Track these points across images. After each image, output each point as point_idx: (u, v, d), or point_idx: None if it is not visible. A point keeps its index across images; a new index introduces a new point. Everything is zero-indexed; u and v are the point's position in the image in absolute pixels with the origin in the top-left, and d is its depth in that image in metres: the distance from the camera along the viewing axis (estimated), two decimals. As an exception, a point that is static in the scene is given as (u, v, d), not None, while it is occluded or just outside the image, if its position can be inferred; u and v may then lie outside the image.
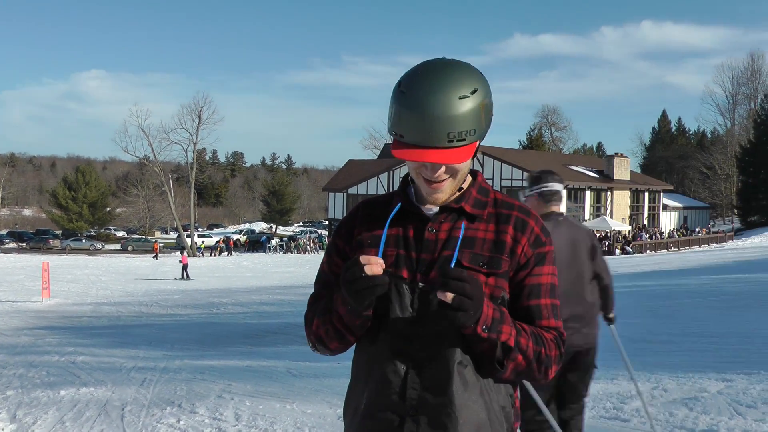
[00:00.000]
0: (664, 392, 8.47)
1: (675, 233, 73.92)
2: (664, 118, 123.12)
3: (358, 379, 2.36)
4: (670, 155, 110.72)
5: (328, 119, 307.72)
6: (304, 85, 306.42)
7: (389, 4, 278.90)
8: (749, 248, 53.38)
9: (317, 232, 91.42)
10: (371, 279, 2.10)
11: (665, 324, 16.30)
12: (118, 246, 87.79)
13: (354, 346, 2.41)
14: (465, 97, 2.11)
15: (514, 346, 2.17)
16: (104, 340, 17.59)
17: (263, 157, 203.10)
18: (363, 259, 2.12)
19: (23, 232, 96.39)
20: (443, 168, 2.21)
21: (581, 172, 70.88)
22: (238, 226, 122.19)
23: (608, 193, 70.80)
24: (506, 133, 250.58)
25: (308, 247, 77.76)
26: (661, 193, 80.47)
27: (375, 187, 72.20)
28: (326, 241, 77.09)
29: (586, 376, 5.49)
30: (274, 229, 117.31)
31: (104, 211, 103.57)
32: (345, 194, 75.45)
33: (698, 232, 74.74)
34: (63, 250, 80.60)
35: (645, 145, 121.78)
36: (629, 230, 67.27)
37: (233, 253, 75.97)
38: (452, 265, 2.20)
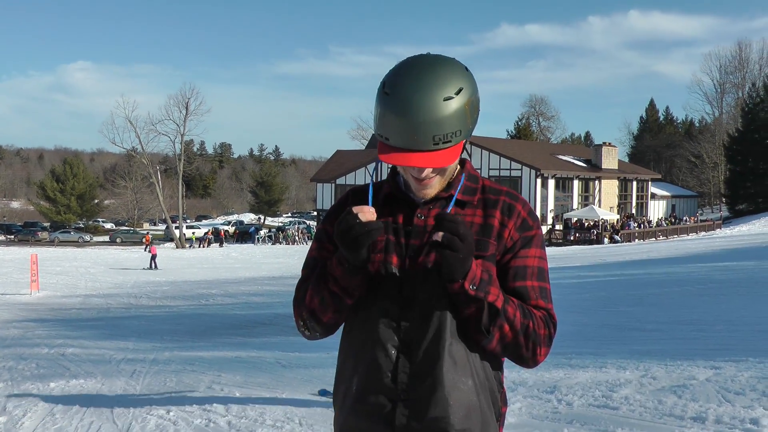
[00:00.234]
0: (652, 380, 8.50)
1: (663, 222, 74.07)
2: (651, 107, 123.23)
3: (347, 362, 2.36)
4: (658, 144, 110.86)
5: (315, 110, 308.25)
6: (291, 76, 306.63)
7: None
8: (737, 236, 53.56)
9: (306, 223, 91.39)
10: (366, 224, 2.13)
11: (653, 312, 16.37)
12: (106, 238, 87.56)
13: (342, 328, 2.41)
14: (450, 98, 2.09)
15: (501, 310, 2.17)
16: (93, 332, 17.55)
17: (251, 148, 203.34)
18: (356, 208, 2.15)
19: (11, 225, 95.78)
20: (430, 168, 2.21)
21: (569, 162, 70.94)
22: (226, 217, 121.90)
23: (596, 182, 70.89)
24: (494, 123, 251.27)
25: (297, 237, 77.73)
26: (649, 182, 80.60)
27: (363, 177, 72.06)
28: (314, 231, 76.86)
29: None
30: (262, 220, 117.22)
31: (92, 203, 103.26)
32: (333, 185, 75.29)
33: (686, 221, 74.91)
34: (51, 243, 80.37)
35: (633, 134, 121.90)
36: (617, 219, 67.36)
37: (224, 243, 75.83)
38: None
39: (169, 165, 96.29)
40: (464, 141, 2.19)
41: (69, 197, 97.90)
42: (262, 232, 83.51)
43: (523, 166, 63.30)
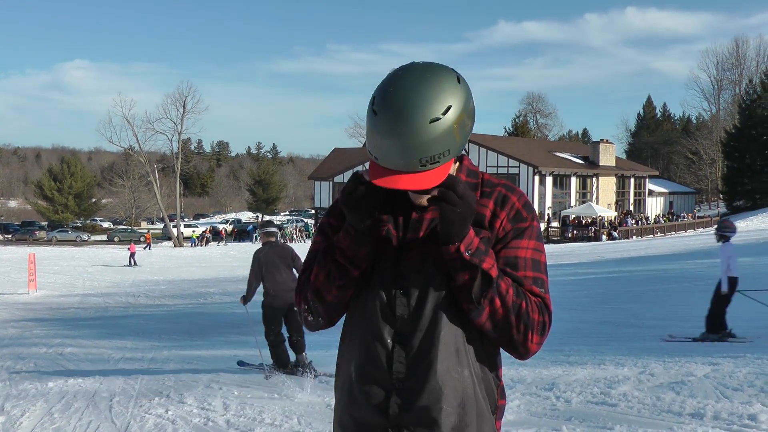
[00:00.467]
0: (651, 376, 8.52)
1: (661, 218, 74.19)
2: (649, 103, 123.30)
3: (345, 352, 2.39)
4: (656, 141, 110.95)
5: (313, 108, 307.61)
6: (288, 74, 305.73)
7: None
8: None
9: (303, 221, 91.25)
10: (370, 186, 2.16)
11: (651, 309, 16.40)
12: (104, 237, 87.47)
13: (342, 320, 2.43)
14: (437, 119, 2.06)
15: (495, 281, 2.16)
16: (92, 332, 17.55)
17: (248, 147, 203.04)
18: (360, 171, 2.20)
19: (9, 224, 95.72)
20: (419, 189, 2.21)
21: (567, 159, 70.96)
22: (224, 215, 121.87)
23: (594, 179, 70.93)
24: (491, 120, 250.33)
25: (295, 236, 77.64)
26: (647, 179, 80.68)
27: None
28: (312, 229, 76.98)
29: (297, 318, 10.19)
30: (260, 219, 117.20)
31: (90, 202, 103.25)
32: (331, 183, 75.28)
33: (684, 217, 75.02)
34: (49, 242, 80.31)
35: (630, 131, 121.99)
36: (615, 216, 67.47)
37: (223, 242, 75.80)
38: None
39: (167, 163, 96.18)
40: (453, 159, 2.17)
41: (66, 196, 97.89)
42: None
43: (521, 164, 63.33)
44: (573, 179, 68.81)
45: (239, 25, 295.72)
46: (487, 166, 63.01)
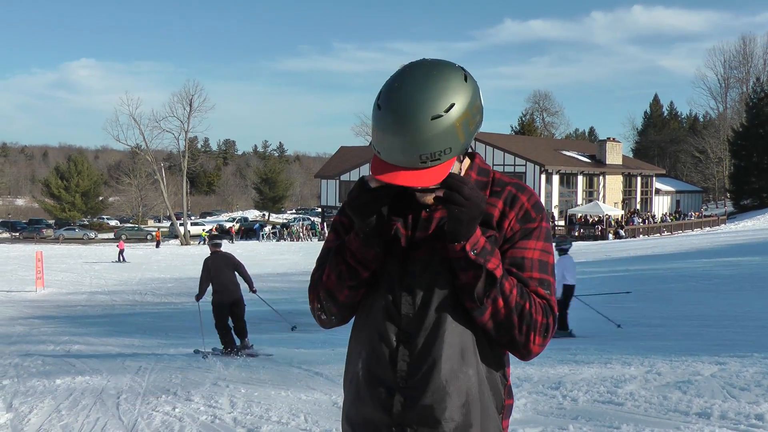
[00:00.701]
0: (657, 376, 8.51)
1: (667, 217, 74.00)
2: (656, 102, 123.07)
3: (353, 351, 2.40)
4: (662, 139, 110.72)
5: (319, 106, 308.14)
6: (294, 72, 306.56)
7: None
8: (741, 232, 53.52)
9: (310, 219, 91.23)
10: (375, 190, 2.19)
11: (658, 308, 16.38)
12: (111, 235, 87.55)
13: (353, 319, 2.45)
14: (438, 117, 2.06)
15: (498, 281, 2.16)
16: (99, 329, 17.59)
17: (255, 145, 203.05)
18: (366, 177, 2.22)
19: (16, 222, 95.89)
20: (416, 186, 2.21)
21: (573, 157, 70.86)
22: (230, 213, 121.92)
23: (600, 177, 70.84)
24: (498, 118, 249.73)
25: (301, 234, 77.65)
26: (654, 178, 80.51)
27: (367, 173, 71.97)
28: (319, 228, 76.94)
29: (240, 310, 13.50)
30: (266, 217, 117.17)
31: (97, 200, 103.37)
32: (337, 181, 75.29)
33: (691, 216, 74.86)
34: (56, 240, 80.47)
35: (637, 129, 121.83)
36: (622, 215, 67.37)
37: (233, 240, 75.88)
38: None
39: (174, 162, 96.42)
40: (456, 157, 2.16)
41: (73, 194, 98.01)
42: (267, 229, 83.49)
43: (528, 162, 63.29)
44: (580, 178, 68.74)
45: (245, 24, 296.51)
46: (493, 165, 62.93)
